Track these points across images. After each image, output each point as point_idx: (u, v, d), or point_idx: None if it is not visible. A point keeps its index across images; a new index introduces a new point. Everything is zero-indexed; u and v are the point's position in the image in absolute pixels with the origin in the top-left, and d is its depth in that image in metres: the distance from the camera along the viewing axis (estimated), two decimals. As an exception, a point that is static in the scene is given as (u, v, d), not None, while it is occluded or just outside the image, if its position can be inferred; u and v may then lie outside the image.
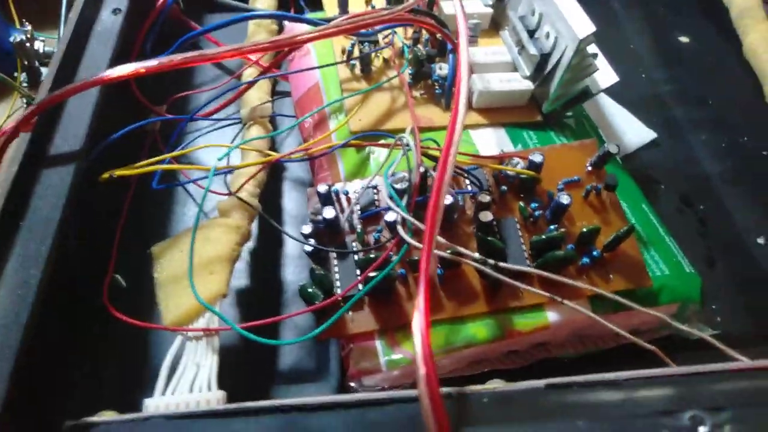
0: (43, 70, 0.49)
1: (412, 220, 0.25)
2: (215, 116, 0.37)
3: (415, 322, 0.18)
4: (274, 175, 0.36)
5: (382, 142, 0.32)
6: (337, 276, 0.27)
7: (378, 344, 0.26)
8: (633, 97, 0.40)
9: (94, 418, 0.20)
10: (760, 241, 0.34)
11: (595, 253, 0.26)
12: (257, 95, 0.37)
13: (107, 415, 0.21)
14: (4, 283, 0.23)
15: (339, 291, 0.27)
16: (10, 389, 0.20)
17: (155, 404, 0.22)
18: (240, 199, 0.29)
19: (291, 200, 0.36)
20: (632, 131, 0.38)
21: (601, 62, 0.33)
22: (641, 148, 0.38)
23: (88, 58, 0.32)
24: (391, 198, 0.26)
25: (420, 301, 0.19)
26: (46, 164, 0.27)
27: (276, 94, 0.41)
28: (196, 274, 0.25)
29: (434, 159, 0.29)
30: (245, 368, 0.28)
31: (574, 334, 0.27)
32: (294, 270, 0.33)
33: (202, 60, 0.29)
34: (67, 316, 0.27)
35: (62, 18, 0.46)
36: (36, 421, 0.21)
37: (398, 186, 0.28)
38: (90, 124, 0.29)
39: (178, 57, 0.28)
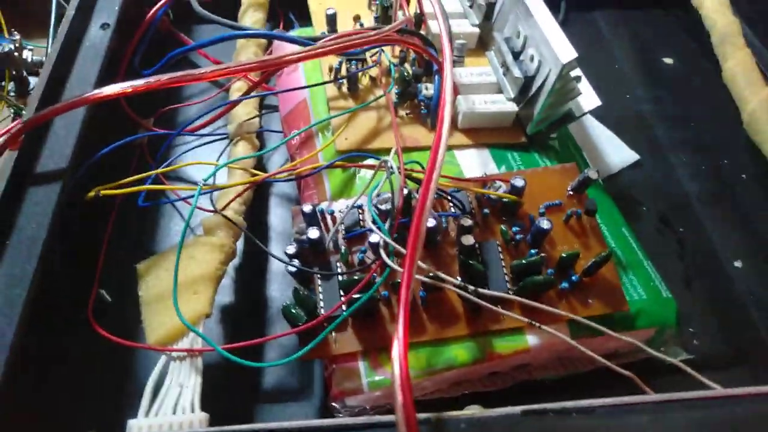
0: (32, 79, 0.49)
1: (394, 244, 0.25)
2: (202, 131, 0.38)
3: (394, 349, 0.19)
4: (260, 191, 0.36)
5: (367, 162, 0.32)
6: (321, 296, 0.27)
7: (361, 365, 0.26)
8: (617, 116, 0.41)
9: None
10: (737, 264, 0.34)
11: (574, 277, 0.27)
12: (245, 110, 0.37)
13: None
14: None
15: (323, 311, 0.27)
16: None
17: (138, 425, 0.22)
18: (225, 217, 0.30)
19: (277, 217, 0.36)
20: (615, 152, 0.39)
21: (585, 86, 0.33)
22: (624, 169, 0.39)
23: (76, 74, 0.32)
24: (373, 221, 0.26)
25: (399, 328, 0.19)
26: (32, 182, 0.27)
27: (264, 108, 0.41)
28: (180, 293, 0.25)
29: (418, 181, 0.29)
30: (228, 388, 0.28)
31: (554, 357, 0.28)
32: (279, 287, 0.33)
33: (190, 80, 0.29)
34: (51, 334, 0.27)
35: (51, 28, 0.46)
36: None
37: (383, 207, 0.28)
38: (77, 142, 0.29)
39: (165, 77, 0.28)
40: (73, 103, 0.28)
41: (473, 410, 0.21)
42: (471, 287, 0.25)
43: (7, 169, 0.27)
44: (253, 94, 0.36)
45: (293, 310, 0.26)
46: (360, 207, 0.30)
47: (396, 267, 0.25)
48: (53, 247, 0.26)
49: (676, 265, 0.34)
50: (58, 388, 0.28)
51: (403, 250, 0.24)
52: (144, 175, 0.30)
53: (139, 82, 0.28)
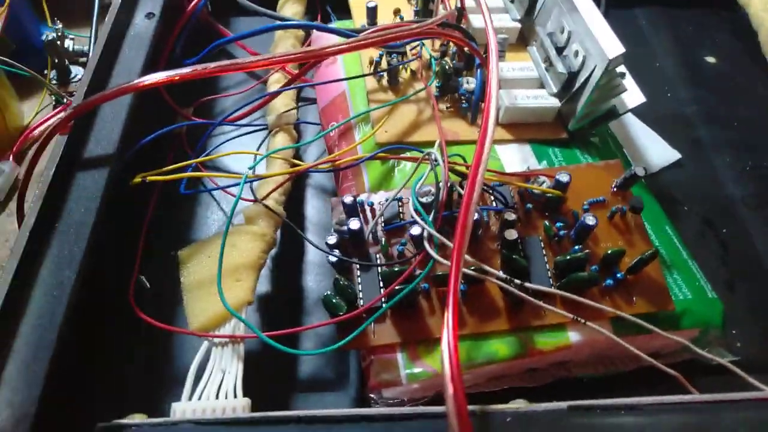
0: (73, 68, 0.50)
1: (440, 236, 0.25)
2: (240, 122, 0.38)
3: (444, 339, 0.19)
4: (297, 183, 0.36)
5: (408, 155, 0.32)
6: (360, 287, 0.27)
7: (399, 357, 0.26)
8: (658, 116, 0.40)
9: (125, 421, 0.21)
10: (782, 267, 0.34)
11: (618, 275, 0.27)
12: (283, 102, 0.37)
13: (137, 418, 0.21)
14: (41, 284, 0.23)
15: (362, 302, 0.27)
16: (45, 389, 0.21)
17: (182, 409, 0.23)
18: (266, 206, 0.30)
19: (313, 208, 0.36)
20: (657, 151, 0.38)
21: (629, 82, 0.33)
22: (665, 168, 0.38)
23: (122, 62, 0.33)
24: (418, 213, 0.26)
25: (449, 320, 0.19)
26: (80, 167, 0.28)
27: (301, 100, 0.41)
28: (222, 280, 0.26)
29: (460, 174, 0.29)
30: (265, 375, 0.28)
31: (595, 354, 0.27)
32: (316, 278, 0.33)
33: (235, 69, 0.30)
34: (96, 317, 0.27)
35: (94, 17, 0.47)
36: (68, 421, 0.21)
37: (423, 200, 0.28)
38: (123, 129, 0.29)
39: (212, 65, 0.29)
40: (123, 89, 0.28)
41: (519, 404, 0.20)
42: (516, 281, 0.25)
43: (57, 154, 0.27)
44: (293, 85, 0.36)
45: (334, 300, 0.26)
46: (400, 200, 0.30)
47: (442, 260, 0.24)
48: (100, 231, 0.26)
49: (719, 267, 0.34)
50: (102, 371, 0.28)
51: (448, 243, 0.24)
52: (186, 163, 0.31)
53: (187, 70, 0.28)
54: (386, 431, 0.20)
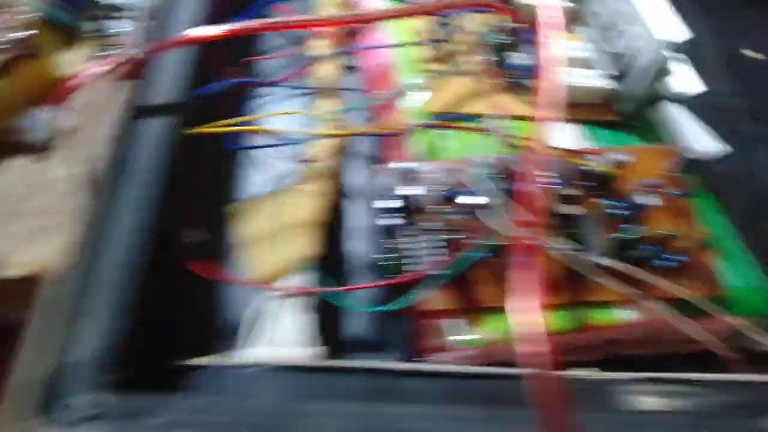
0: (110, 22, 0.49)
1: (504, 208, 0.25)
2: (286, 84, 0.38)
3: (517, 302, 0.19)
4: (343, 148, 0.36)
5: (462, 125, 0.32)
6: (414, 252, 0.27)
7: (451, 323, 0.26)
8: (701, 107, 0.40)
9: (203, 360, 0.21)
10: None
11: (669, 257, 0.27)
12: (328, 67, 0.37)
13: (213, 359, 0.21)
14: (115, 228, 0.23)
15: (417, 267, 0.27)
16: (125, 324, 0.21)
17: (243, 355, 0.23)
18: (319, 168, 0.30)
19: (360, 174, 0.36)
20: (702, 141, 0.38)
21: (686, 69, 0.33)
22: (709, 159, 0.38)
23: (178, 15, 0.32)
24: (479, 182, 0.26)
25: (536, 280, 0.19)
26: (144, 115, 0.27)
27: (346, 68, 0.41)
28: (284, 236, 0.26)
29: (515, 147, 0.29)
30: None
31: (648, 334, 0.28)
32: (363, 242, 0.33)
33: (290, 26, 0.29)
34: (162, 265, 0.27)
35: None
36: (146, 360, 0.21)
37: (477, 171, 0.28)
38: (182, 80, 0.29)
39: (267, 21, 0.29)
40: (181, 40, 0.28)
41: (592, 372, 0.21)
42: (580, 252, 0.25)
43: (118, 100, 0.27)
44: (338, 50, 0.36)
45: (386, 264, 0.26)
46: (455, 169, 0.30)
47: (497, 228, 0.25)
48: (164, 179, 0.26)
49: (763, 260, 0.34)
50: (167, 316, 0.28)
51: (506, 214, 0.24)
52: (237, 119, 0.31)
53: (242, 24, 0.28)
54: (452, 388, 0.20)
